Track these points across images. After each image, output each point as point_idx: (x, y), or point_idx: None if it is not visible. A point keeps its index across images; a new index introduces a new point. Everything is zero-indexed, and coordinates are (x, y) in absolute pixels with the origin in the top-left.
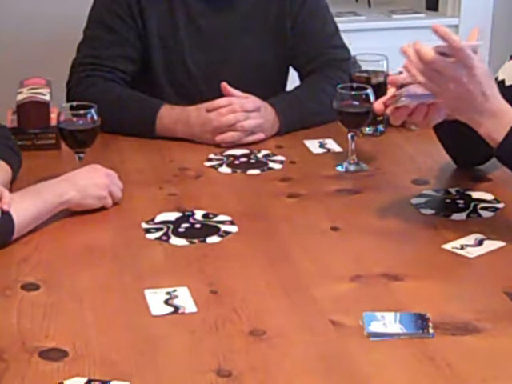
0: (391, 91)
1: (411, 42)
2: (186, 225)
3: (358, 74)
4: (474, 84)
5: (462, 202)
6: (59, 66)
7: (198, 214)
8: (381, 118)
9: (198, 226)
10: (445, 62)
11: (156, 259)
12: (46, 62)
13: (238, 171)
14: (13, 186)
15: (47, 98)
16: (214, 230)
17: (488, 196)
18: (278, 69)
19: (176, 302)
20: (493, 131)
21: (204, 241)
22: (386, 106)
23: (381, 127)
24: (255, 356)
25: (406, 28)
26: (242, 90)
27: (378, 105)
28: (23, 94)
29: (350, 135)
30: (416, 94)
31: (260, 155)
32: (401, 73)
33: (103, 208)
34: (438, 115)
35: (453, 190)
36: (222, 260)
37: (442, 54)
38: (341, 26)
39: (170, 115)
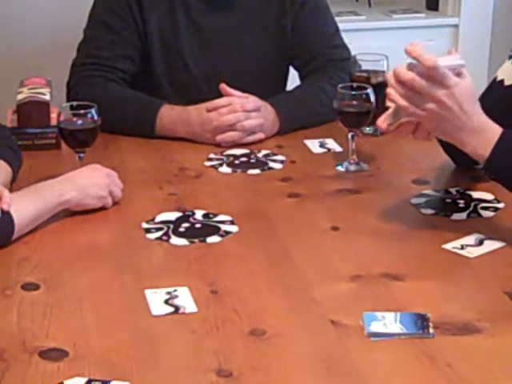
0: (392, 107)
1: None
2: (186, 224)
3: (358, 74)
4: (453, 103)
5: (462, 201)
6: (59, 66)
7: (199, 214)
8: None
9: (198, 225)
10: (422, 82)
11: (156, 259)
12: (46, 62)
13: (238, 171)
14: (13, 185)
15: (47, 97)
16: (214, 230)
17: (488, 196)
18: (278, 68)
19: (176, 301)
20: (478, 148)
21: (204, 241)
22: (388, 124)
23: None
24: (255, 356)
25: (405, 28)
26: (242, 90)
27: (381, 123)
28: (23, 94)
29: (350, 135)
30: None
31: (260, 155)
32: None
33: (103, 208)
34: None
35: (453, 190)
36: (222, 260)
37: (419, 74)
38: (341, 26)
39: (170, 115)
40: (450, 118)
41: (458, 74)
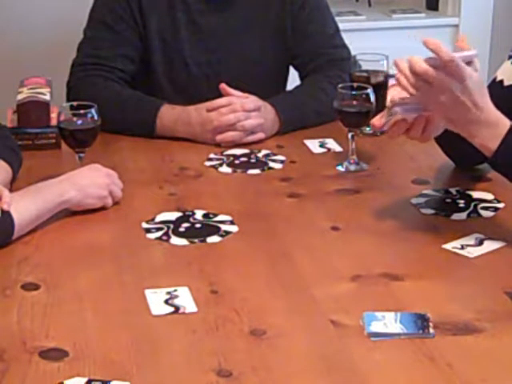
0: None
1: (405, 58)
2: (186, 224)
3: (358, 74)
4: (466, 95)
5: (462, 201)
6: (59, 65)
7: (199, 214)
8: None
9: (198, 225)
10: (436, 74)
11: (156, 259)
12: (46, 62)
13: (239, 171)
14: (13, 185)
15: (47, 97)
16: (215, 230)
17: (488, 196)
18: (278, 68)
19: (176, 301)
20: (487, 141)
21: (204, 240)
22: (383, 123)
23: None
24: (255, 356)
25: (405, 28)
26: (242, 90)
27: (376, 121)
28: (23, 94)
29: (350, 135)
30: (407, 106)
31: (260, 155)
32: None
33: (103, 208)
34: (437, 128)
35: (453, 190)
36: (222, 260)
37: (433, 66)
38: (341, 26)
39: (170, 115)
40: (461, 111)
41: (469, 63)
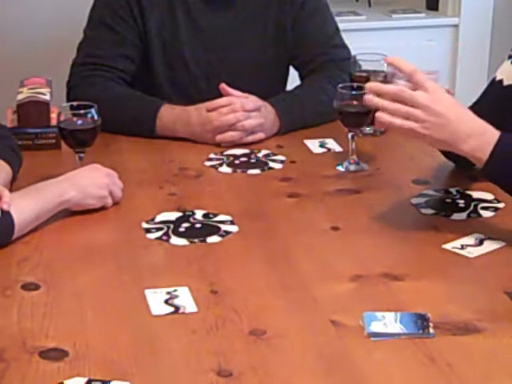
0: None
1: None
2: (186, 224)
3: (358, 74)
4: (440, 106)
5: (462, 201)
6: (59, 65)
7: (199, 214)
8: None
9: (198, 225)
10: (405, 90)
11: (156, 259)
12: (46, 62)
13: (239, 171)
14: (13, 185)
15: (47, 97)
16: (215, 230)
17: (488, 196)
18: (278, 68)
19: (176, 301)
20: (476, 151)
21: (204, 240)
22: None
23: None
24: (255, 356)
25: (405, 28)
26: (242, 90)
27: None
28: (23, 94)
29: (350, 135)
30: None
31: (260, 155)
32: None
33: (103, 208)
34: None
35: (453, 190)
36: (222, 260)
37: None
38: (341, 26)
39: (170, 115)
40: (442, 123)
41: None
